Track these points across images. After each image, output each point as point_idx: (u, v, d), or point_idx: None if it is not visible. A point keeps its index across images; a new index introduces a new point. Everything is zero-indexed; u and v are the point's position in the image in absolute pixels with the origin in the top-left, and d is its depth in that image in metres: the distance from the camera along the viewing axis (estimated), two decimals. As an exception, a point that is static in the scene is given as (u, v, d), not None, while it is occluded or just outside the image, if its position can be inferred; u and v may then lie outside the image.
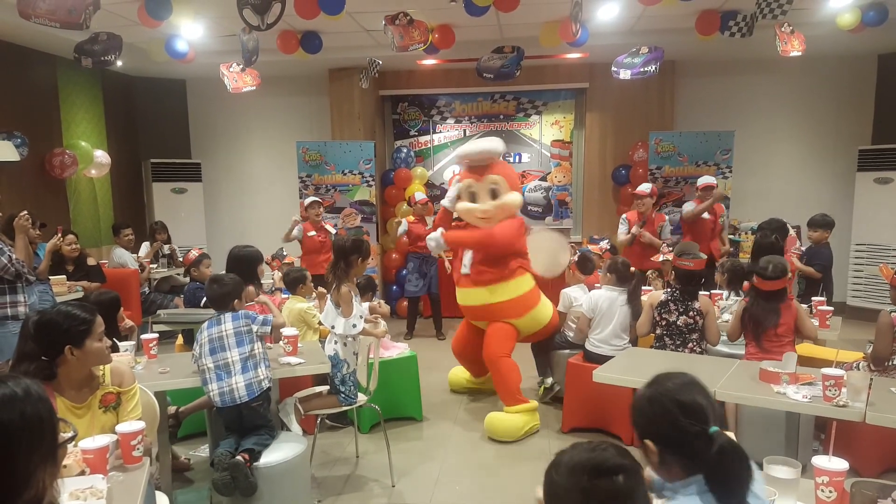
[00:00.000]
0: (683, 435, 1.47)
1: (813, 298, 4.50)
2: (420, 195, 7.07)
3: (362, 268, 3.66)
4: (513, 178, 4.65)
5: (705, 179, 6.24)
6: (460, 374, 5.26)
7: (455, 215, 4.80)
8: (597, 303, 4.37)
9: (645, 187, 6.17)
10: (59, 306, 2.33)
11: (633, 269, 4.39)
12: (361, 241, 3.62)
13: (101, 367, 2.36)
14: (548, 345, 4.88)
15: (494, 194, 4.47)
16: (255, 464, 2.94)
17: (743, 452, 1.44)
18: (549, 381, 4.87)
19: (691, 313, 3.91)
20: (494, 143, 4.60)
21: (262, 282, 4.50)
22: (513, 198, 4.49)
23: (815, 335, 3.82)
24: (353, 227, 7.38)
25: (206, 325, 3.15)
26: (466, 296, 4.64)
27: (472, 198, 4.53)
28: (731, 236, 7.32)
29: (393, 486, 3.64)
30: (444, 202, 4.78)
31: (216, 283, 3.28)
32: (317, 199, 6.73)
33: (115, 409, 2.34)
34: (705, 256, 4.22)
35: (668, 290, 4.05)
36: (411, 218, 6.93)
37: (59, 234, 5.12)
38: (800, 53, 5.40)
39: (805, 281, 5.40)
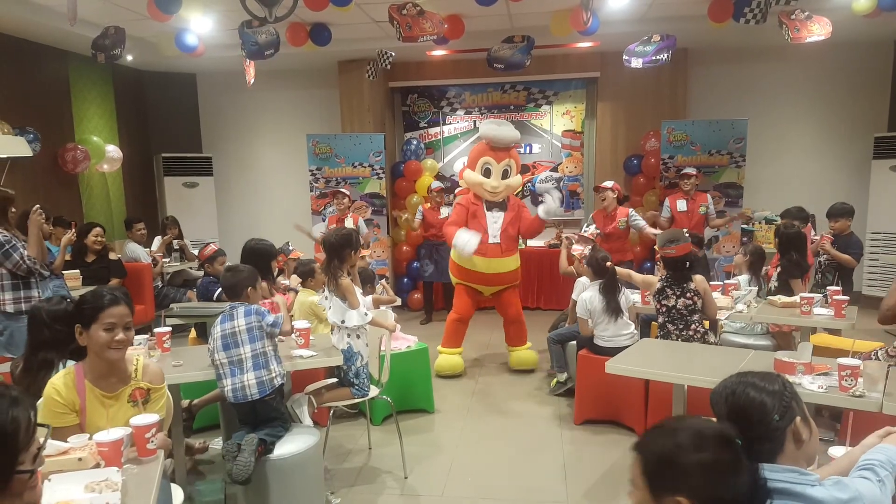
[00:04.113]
0: None
1: (828, 288, 4.41)
2: (436, 184, 7.31)
3: (356, 259, 3.69)
4: (519, 163, 5.56)
5: (687, 169, 6.63)
6: (447, 361, 5.43)
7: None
8: (588, 304, 4.37)
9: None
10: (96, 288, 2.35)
11: (609, 263, 4.38)
12: (349, 234, 3.62)
13: (135, 361, 2.37)
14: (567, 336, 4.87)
15: (505, 174, 5.30)
16: (268, 456, 2.95)
17: None
18: (563, 376, 4.85)
19: (689, 294, 3.92)
20: (516, 132, 5.43)
21: (281, 280, 4.52)
22: (518, 180, 5.49)
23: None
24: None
25: (219, 319, 3.16)
26: (499, 264, 5.33)
27: (487, 173, 5.30)
28: (744, 226, 7.25)
29: (405, 478, 3.65)
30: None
31: (231, 271, 3.31)
32: (342, 190, 6.90)
33: (143, 405, 2.34)
34: (689, 239, 4.17)
35: (662, 278, 4.07)
36: (427, 205, 7.02)
37: (74, 230, 5.17)
38: (823, 38, 5.28)
39: (836, 272, 5.17)
